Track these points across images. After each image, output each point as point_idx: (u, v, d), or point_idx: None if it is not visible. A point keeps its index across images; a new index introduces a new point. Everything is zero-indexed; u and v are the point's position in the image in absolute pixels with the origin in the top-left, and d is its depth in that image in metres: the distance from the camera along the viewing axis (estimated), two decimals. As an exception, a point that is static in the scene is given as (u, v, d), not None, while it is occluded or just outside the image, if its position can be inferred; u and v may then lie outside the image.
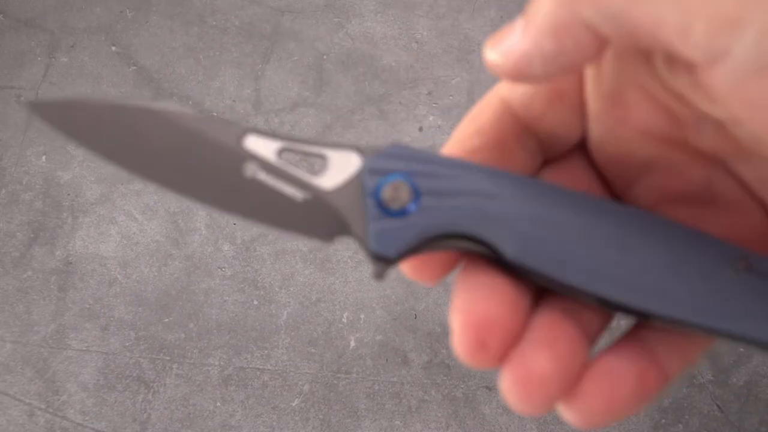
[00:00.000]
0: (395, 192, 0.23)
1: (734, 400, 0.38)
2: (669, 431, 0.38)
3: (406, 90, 0.47)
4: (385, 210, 0.23)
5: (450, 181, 0.23)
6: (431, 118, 0.49)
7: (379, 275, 0.23)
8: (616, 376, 0.22)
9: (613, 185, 0.26)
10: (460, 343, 0.22)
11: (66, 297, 0.42)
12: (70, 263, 0.43)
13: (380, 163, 0.24)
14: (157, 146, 0.25)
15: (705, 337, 0.23)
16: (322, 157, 0.24)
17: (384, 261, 0.24)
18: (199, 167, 0.25)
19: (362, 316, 0.40)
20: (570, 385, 0.22)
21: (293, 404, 0.39)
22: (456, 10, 0.50)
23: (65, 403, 0.39)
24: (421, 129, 0.46)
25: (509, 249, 0.22)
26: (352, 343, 0.40)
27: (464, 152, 0.26)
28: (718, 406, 0.38)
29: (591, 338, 0.23)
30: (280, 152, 0.25)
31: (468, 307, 0.22)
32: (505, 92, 0.26)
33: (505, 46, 0.22)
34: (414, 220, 0.23)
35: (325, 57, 0.49)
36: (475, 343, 0.21)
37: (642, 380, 0.22)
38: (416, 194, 0.23)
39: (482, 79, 0.47)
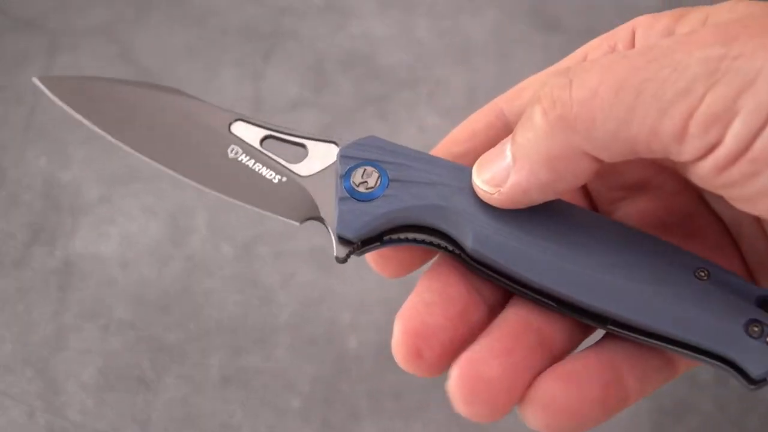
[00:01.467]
0: (364, 177, 0.23)
1: (734, 400, 0.38)
2: (669, 431, 0.38)
3: (406, 90, 0.47)
4: (352, 193, 0.23)
5: (418, 173, 0.23)
6: (431, 118, 0.49)
7: (342, 258, 0.24)
8: (584, 382, 0.21)
9: (597, 201, 0.26)
10: (397, 349, 0.22)
11: (66, 297, 0.42)
12: (70, 263, 0.43)
13: (354, 151, 0.24)
14: (153, 125, 0.26)
15: (665, 365, 0.23)
16: (303, 147, 0.25)
17: (347, 243, 0.24)
18: (189, 146, 0.25)
19: (363, 317, 0.40)
20: (519, 396, 0.21)
21: (293, 404, 0.39)
22: (456, 10, 0.50)
23: (65, 403, 0.39)
24: (421, 129, 0.46)
25: (468, 241, 0.23)
26: (353, 344, 0.40)
27: (453, 155, 0.27)
28: (718, 406, 0.38)
29: (553, 354, 0.23)
30: (264, 140, 0.26)
31: (411, 314, 0.23)
32: (503, 104, 0.26)
33: (496, 176, 0.22)
34: (379, 204, 0.23)
35: (325, 57, 0.49)
36: (411, 352, 0.22)
37: (606, 392, 0.22)
38: (384, 181, 0.23)
39: (482, 79, 0.47)
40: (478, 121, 0.26)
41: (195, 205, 0.44)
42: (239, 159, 0.24)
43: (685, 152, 0.17)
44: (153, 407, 0.39)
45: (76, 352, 0.41)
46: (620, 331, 0.22)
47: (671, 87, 0.17)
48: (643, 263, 0.21)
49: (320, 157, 0.24)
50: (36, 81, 0.25)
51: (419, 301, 0.23)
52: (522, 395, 0.21)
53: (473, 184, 0.22)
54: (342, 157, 0.23)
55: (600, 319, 0.22)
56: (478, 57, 0.48)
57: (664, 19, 0.22)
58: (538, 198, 0.20)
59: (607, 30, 0.24)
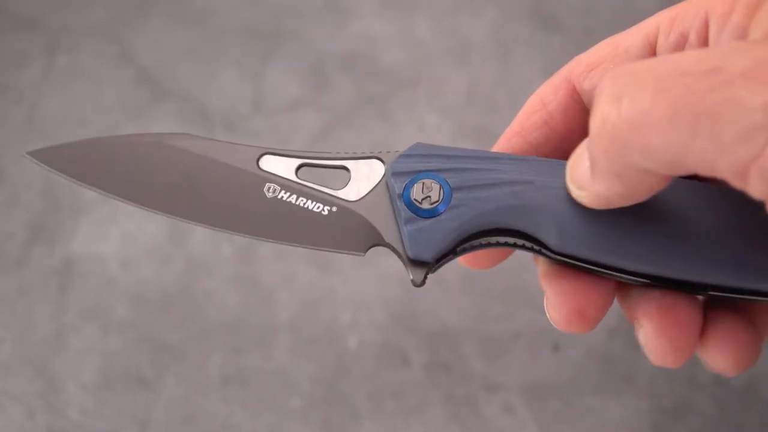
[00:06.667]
0: (425, 191, 0.21)
1: (734, 400, 0.38)
2: (669, 431, 0.38)
3: (406, 90, 0.47)
4: (416, 211, 0.21)
5: (481, 173, 0.21)
6: (431, 118, 0.49)
7: (420, 282, 0.22)
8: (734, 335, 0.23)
9: None
10: (559, 319, 0.23)
11: (66, 297, 0.42)
12: (70, 263, 0.43)
13: (405, 165, 0.22)
14: (171, 178, 0.24)
15: None
16: (344, 169, 0.23)
17: (422, 265, 0.22)
18: (218, 194, 0.22)
19: (362, 316, 0.40)
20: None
21: (293, 404, 0.39)
22: (456, 10, 0.50)
23: (65, 403, 0.39)
24: (421, 129, 0.46)
25: (552, 238, 0.21)
26: (353, 343, 0.40)
27: (528, 143, 0.25)
28: (718, 406, 0.38)
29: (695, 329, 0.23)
30: (299, 169, 0.24)
31: (564, 299, 0.22)
32: (575, 79, 0.24)
33: (580, 180, 0.22)
34: (448, 217, 0.21)
35: (325, 57, 0.49)
36: (573, 314, 0.22)
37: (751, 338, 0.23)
38: (447, 191, 0.21)
39: (482, 79, 0.47)
40: (550, 102, 0.25)
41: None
42: (279, 197, 0.22)
43: (749, 190, 0.17)
44: (153, 407, 0.39)
45: (76, 352, 0.41)
46: (722, 294, 0.21)
47: (730, 129, 0.16)
48: (733, 223, 0.20)
49: (365, 176, 0.22)
50: (27, 156, 0.24)
51: (565, 288, 0.22)
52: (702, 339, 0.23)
53: (569, 190, 0.21)
54: (394, 174, 0.21)
55: (700, 287, 0.21)
56: (478, 57, 0.48)
57: (739, 9, 0.20)
58: (622, 204, 0.20)
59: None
